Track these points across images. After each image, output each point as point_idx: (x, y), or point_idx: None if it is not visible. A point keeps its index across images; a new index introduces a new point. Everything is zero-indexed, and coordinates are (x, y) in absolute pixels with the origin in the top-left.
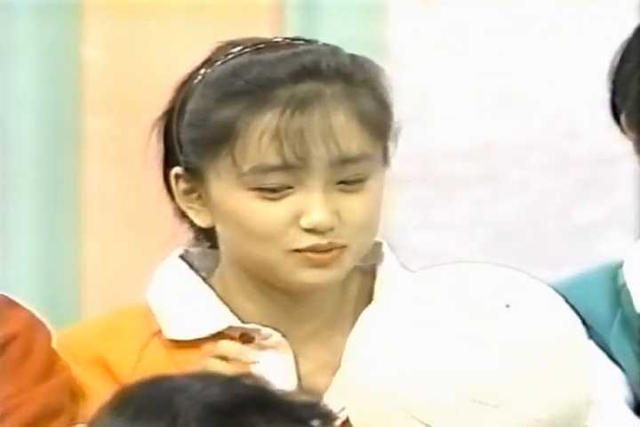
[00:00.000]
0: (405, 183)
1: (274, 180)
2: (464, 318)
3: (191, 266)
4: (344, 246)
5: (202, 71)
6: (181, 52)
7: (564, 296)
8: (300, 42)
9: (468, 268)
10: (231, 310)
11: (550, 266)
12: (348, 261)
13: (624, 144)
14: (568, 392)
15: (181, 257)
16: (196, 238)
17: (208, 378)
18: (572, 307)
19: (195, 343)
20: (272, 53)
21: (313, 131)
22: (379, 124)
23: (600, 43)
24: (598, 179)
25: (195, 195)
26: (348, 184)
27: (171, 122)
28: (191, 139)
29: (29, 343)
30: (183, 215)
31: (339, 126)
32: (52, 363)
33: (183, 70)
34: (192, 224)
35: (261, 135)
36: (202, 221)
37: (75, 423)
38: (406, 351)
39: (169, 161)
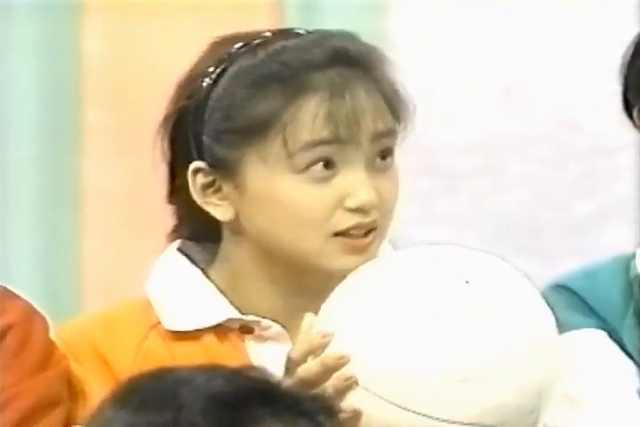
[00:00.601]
0: (406, 176)
1: (322, 154)
2: (425, 295)
3: (189, 258)
4: (376, 229)
5: (215, 64)
6: (181, 47)
7: (575, 289)
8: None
9: (434, 248)
10: (230, 302)
11: (551, 258)
12: (378, 245)
13: (625, 136)
14: (526, 366)
15: (179, 250)
16: (192, 236)
17: (212, 370)
18: (584, 299)
19: (194, 335)
20: (300, 39)
21: (362, 108)
22: (398, 103)
23: (600, 35)
24: (599, 171)
25: (212, 189)
26: (383, 160)
27: (182, 120)
28: (224, 129)
29: (26, 334)
30: (180, 216)
31: (377, 103)
32: (49, 354)
33: (183, 64)
34: (190, 222)
35: (314, 118)
36: (222, 214)
37: (75, 423)
38: (367, 333)
39: (179, 159)
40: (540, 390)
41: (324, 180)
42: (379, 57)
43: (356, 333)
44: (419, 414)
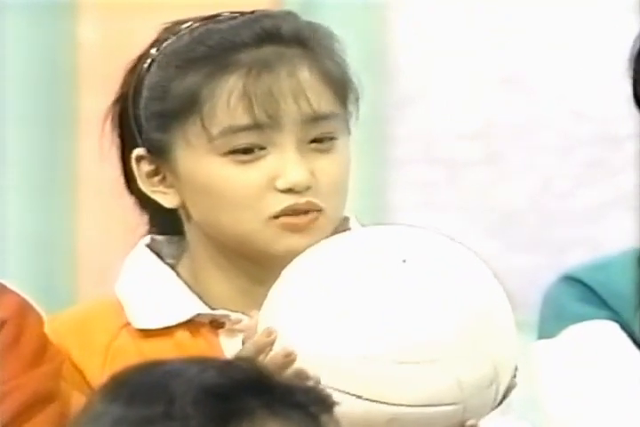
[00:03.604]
0: (407, 165)
1: (245, 140)
2: (363, 279)
3: (158, 255)
4: (320, 210)
5: (152, 51)
6: None
7: (587, 282)
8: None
9: (373, 230)
10: (199, 297)
11: (555, 248)
12: (324, 226)
13: (630, 125)
14: (474, 340)
15: (148, 246)
16: (155, 227)
17: (204, 362)
18: (596, 292)
19: (165, 333)
20: (231, 21)
21: (281, 88)
22: (341, 84)
23: (604, 24)
24: (604, 160)
25: (158, 177)
26: (320, 143)
27: (126, 106)
28: (154, 112)
29: (21, 329)
30: (142, 206)
31: (306, 84)
32: (43, 349)
33: None
34: (152, 214)
35: (229, 97)
36: (169, 202)
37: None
38: (310, 324)
39: (126, 147)
40: (494, 363)
41: (250, 162)
42: (322, 36)
43: (297, 324)
44: (375, 401)
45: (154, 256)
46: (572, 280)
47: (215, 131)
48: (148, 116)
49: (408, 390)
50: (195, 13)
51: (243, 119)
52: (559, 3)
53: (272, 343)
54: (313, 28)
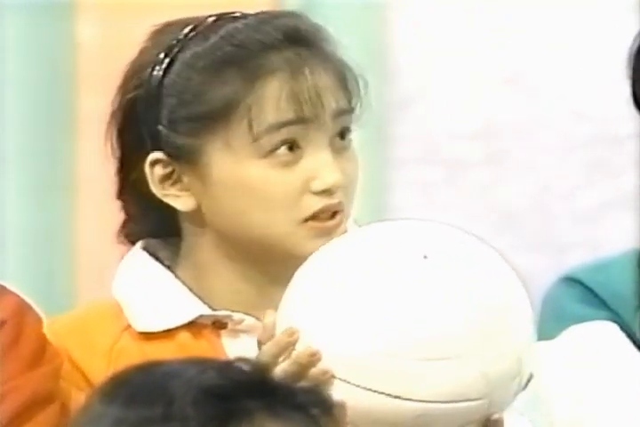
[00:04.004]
0: (407, 165)
1: (287, 136)
2: (383, 276)
3: (155, 257)
4: (342, 211)
5: (164, 52)
6: None
7: (587, 283)
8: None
9: (391, 224)
10: (200, 299)
11: (555, 248)
12: (344, 226)
13: (630, 125)
14: (498, 334)
15: (144, 249)
16: (151, 233)
17: (203, 363)
18: (596, 293)
19: (167, 335)
20: (246, 20)
21: (323, 86)
22: (351, 81)
23: (603, 23)
24: (603, 160)
25: (171, 180)
26: (343, 139)
27: (133, 113)
28: (184, 117)
29: (19, 330)
30: (134, 212)
31: (334, 82)
32: (42, 349)
33: None
34: (146, 218)
35: (278, 98)
36: (183, 205)
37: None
38: (332, 321)
39: (128, 151)
40: (518, 355)
41: (290, 163)
42: (326, 36)
43: (321, 323)
44: (402, 398)
45: (151, 259)
46: (572, 281)
47: (260, 129)
48: (173, 120)
49: (434, 386)
50: (195, 13)
51: (288, 115)
52: (559, 3)
53: (294, 343)
54: (318, 28)
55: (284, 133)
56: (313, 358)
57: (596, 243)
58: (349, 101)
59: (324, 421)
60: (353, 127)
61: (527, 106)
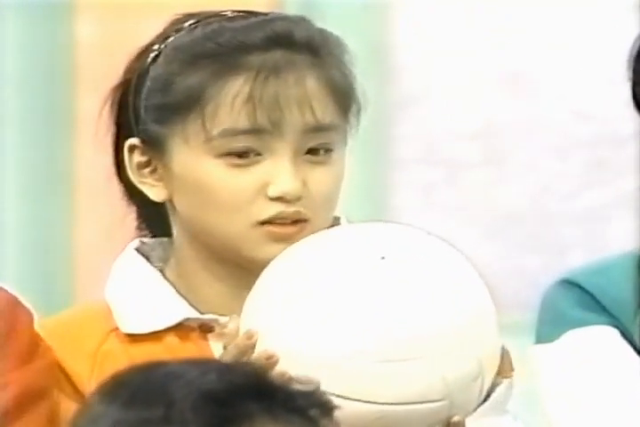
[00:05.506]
0: (408, 165)
1: (243, 143)
2: (341, 278)
3: (147, 258)
4: (307, 220)
5: (161, 41)
6: None
7: (586, 286)
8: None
9: (351, 227)
10: (188, 301)
11: (555, 249)
12: (305, 235)
13: (631, 125)
14: (456, 336)
15: (137, 249)
16: (142, 226)
17: (204, 365)
18: (595, 297)
19: (153, 337)
20: (243, 20)
21: (288, 96)
22: (346, 95)
23: (603, 23)
24: (604, 161)
25: (149, 169)
26: (316, 155)
27: (126, 93)
28: (155, 105)
29: (11, 325)
30: (130, 199)
31: (313, 93)
32: (34, 345)
33: None
34: (140, 207)
35: (234, 99)
36: (156, 195)
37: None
38: (291, 325)
39: (122, 135)
40: (477, 357)
41: (244, 166)
42: (333, 45)
43: (280, 326)
44: (362, 401)
45: (142, 260)
46: (571, 285)
47: (215, 131)
48: (147, 107)
49: (394, 388)
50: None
51: (244, 123)
52: (559, 3)
53: (253, 346)
54: (325, 36)
55: (240, 141)
56: (270, 361)
57: (596, 244)
58: (335, 116)
59: (324, 423)
60: (340, 142)
61: (527, 106)
